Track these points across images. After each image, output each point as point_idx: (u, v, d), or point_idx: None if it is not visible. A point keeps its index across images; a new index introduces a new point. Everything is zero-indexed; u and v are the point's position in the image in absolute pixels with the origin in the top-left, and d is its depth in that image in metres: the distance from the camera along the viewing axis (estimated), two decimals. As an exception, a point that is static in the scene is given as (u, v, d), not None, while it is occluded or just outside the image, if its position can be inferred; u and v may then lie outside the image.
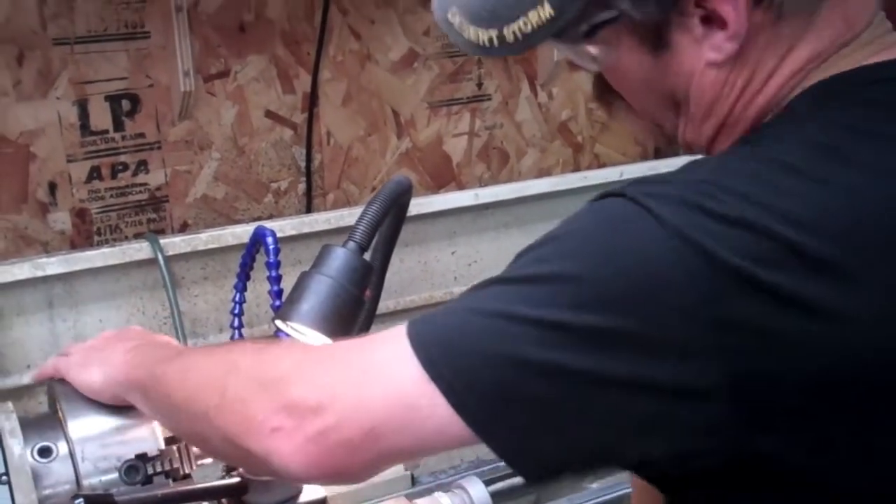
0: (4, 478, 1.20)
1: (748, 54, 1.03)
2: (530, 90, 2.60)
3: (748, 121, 1.08)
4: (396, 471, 1.84)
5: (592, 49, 1.08)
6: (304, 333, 1.51)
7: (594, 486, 2.02)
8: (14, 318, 1.99)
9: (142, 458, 1.34)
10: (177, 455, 1.40)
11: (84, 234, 2.14)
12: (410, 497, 1.73)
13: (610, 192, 0.96)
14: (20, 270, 1.95)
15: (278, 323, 1.53)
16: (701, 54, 1.04)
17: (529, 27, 1.03)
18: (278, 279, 1.76)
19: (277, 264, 1.77)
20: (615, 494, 2.01)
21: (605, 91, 1.18)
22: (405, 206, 1.72)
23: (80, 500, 1.22)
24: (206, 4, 2.13)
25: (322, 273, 1.47)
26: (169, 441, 1.43)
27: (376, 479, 1.82)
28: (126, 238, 2.17)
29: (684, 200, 0.91)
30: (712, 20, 1.01)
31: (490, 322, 0.93)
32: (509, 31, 1.05)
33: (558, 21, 1.02)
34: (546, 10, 1.02)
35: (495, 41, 1.06)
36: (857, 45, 1.04)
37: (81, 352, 1.36)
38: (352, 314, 1.50)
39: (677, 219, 0.89)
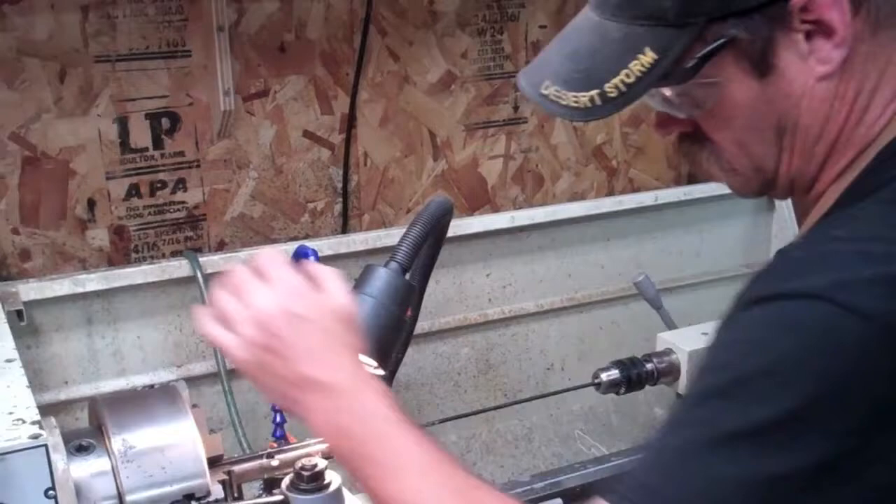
0: (51, 492, 1.21)
1: (853, 65, 1.03)
2: (566, 114, 2.60)
3: (858, 143, 1.07)
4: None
5: (698, 88, 1.06)
6: (346, 353, 1.51)
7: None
8: (53, 333, 2.00)
9: (189, 497, 1.35)
10: (222, 494, 1.41)
11: (122, 251, 2.15)
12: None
13: (796, 293, 0.93)
14: (60, 287, 1.96)
15: (320, 342, 1.53)
16: (809, 70, 1.03)
17: (633, 77, 1.03)
18: (320, 298, 1.77)
19: (319, 283, 1.77)
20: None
21: (692, 142, 1.15)
22: (446, 227, 1.72)
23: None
24: (247, 24, 2.14)
25: (365, 293, 1.47)
26: (212, 462, 1.44)
27: None
28: (163, 255, 2.18)
29: (878, 278, 0.90)
30: (816, 33, 1.01)
31: (740, 489, 0.91)
32: (611, 87, 1.04)
33: (662, 63, 1.02)
34: (648, 56, 1.02)
35: (597, 100, 1.05)
36: None
37: (256, 337, 1.14)
38: (394, 333, 1.50)
39: (880, 306, 0.89)
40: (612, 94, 1.04)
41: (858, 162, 1.07)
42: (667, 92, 1.08)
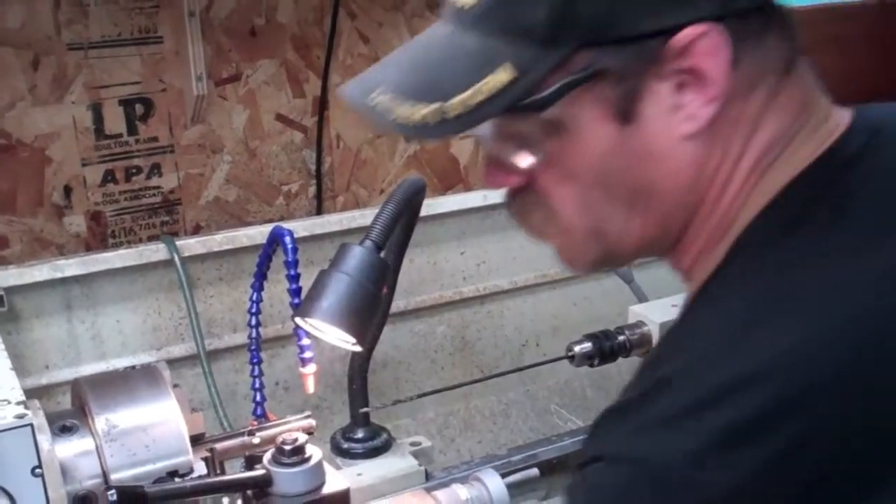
0: (38, 470, 1.23)
1: (721, 127, 0.94)
2: (535, 93, 2.63)
3: (719, 215, 0.98)
4: (411, 466, 1.87)
5: (550, 125, 0.94)
6: (323, 330, 1.54)
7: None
8: (33, 319, 2.02)
9: (172, 474, 1.37)
10: (205, 471, 1.44)
11: (99, 237, 2.17)
12: (427, 490, 1.76)
13: (591, 458, 0.90)
14: (39, 272, 1.98)
15: (298, 320, 1.56)
16: (674, 127, 0.93)
17: (482, 96, 0.90)
18: (297, 277, 1.80)
19: (296, 263, 1.80)
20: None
21: (524, 199, 1.03)
22: (419, 205, 1.75)
23: (113, 491, 1.25)
24: (217, 9, 2.16)
25: (341, 271, 1.50)
26: (195, 440, 1.47)
27: (392, 474, 1.86)
28: (140, 240, 2.20)
29: (662, 422, 0.85)
30: (689, 84, 0.92)
31: None
32: (456, 103, 0.90)
33: (520, 83, 0.90)
34: (506, 73, 0.90)
35: (432, 117, 0.91)
36: (806, 134, 0.97)
37: None
38: (370, 311, 1.53)
39: (678, 459, 0.83)
40: (452, 114, 0.91)
41: (718, 247, 0.98)
42: (512, 126, 0.97)
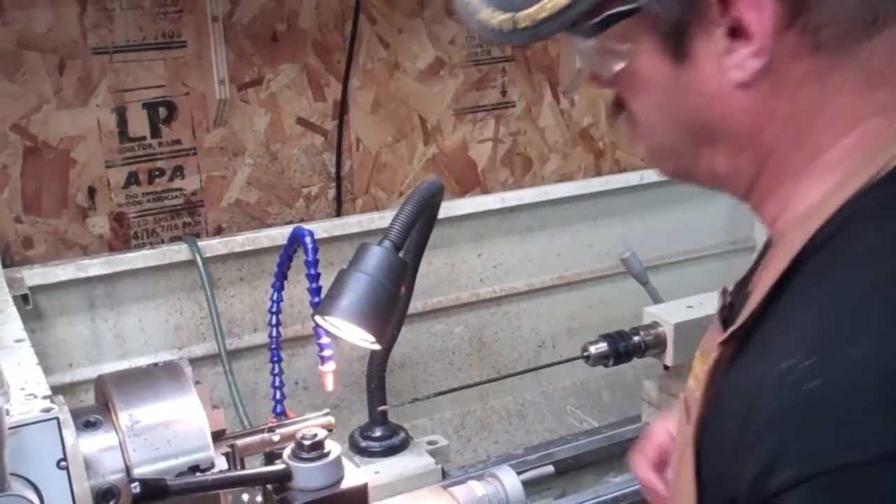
0: (63, 463, 1.25)
1: (784, 81, 0.94)
2: (552, 97, 2.65)
3: (799, 171, 0.98)
4: (428, 464, 1.90)
5: (608, 47, 0.99)
6: (342, 329, 1.57)
7: (617, 479, 2.06)
8: (57, 318, 2.06)
9: (194, 469, 1.39)
10: (226, 466, 1.46)
11: (122, 238, 2.20)
12: (444, 488, 1.79)
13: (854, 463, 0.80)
14: (63, 272, 2.02)
15: (317, 318, 1.59)
16: (725, 72, 0.95)
17: (544, 13, 0.96)
18: (317, 277, 1.83)
19: (316, 262, 1.83)
20: (637, 487, 2.05)
21: (616, 105, 1.09)
22: (437, 206, 1.78)
23: (137, 484, 1.28)
24: (240, 15, 2.19)
25: (360, 270, 1.53)
26: (215, 436, 1.49)
27: (409, 472, 1.89)
28: (162, 242, 2.23)
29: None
30: (737, 34, 0.92)
31: None
32: (525, 16, 0.97)
33: (572, 10, 0.95)
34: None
35: (506, 27, 0.99)
36: None
37: None
38: (388, 309, 1.56)
39: None
40: (521, 25, 0.98)
41: (817, 207, 0.96)
42: (579, 43, 1.01)
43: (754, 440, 0.86)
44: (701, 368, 1.08)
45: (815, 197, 0.97)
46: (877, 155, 0.94)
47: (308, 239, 1.83)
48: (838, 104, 0.95)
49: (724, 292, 1.15)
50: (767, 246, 1.14)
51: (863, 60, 0.93)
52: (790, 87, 0.94)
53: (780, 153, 0.98)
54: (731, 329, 0.99)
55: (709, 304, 1.93)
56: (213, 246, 2.15)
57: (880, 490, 0.78)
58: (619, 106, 1.08)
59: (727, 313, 1.11)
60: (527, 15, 0.97)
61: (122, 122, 2.15)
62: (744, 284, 1.13)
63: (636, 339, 2.00)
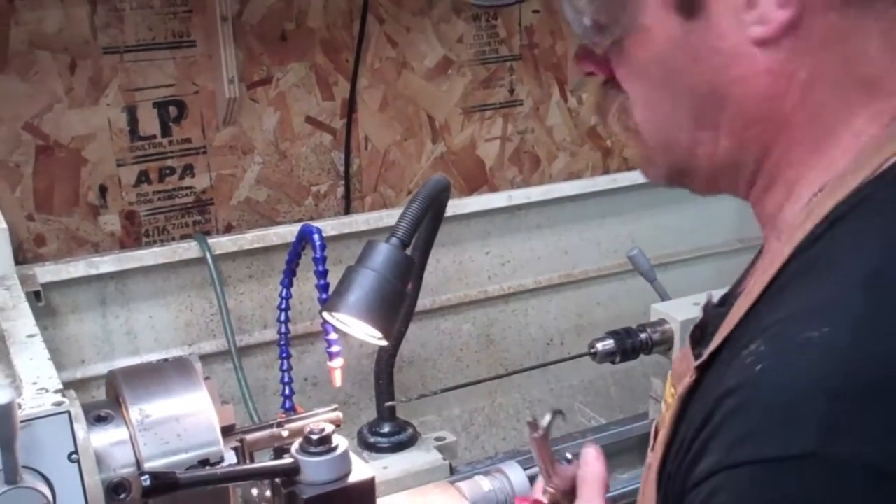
0: (74, 456, 1.27)
1: (808, 40, 0.84)
2: (560, 96, 2.66)
3: (812, 147, 0.87)
4: (435, 460, 1.91)
5: (612, 8, 0.90)
6: (350, 325, 1.58)
7: (625, 476, 2.07)
8: (69, 314, 2.08)
9: (204, 463, 1.41)
10: (235, 460, 1.47)
11: (133, 236, 2.22)
12: (451, 483, 1.80)
13: (785, 458, 0.72)
14: (75, 269, 2.03)
15: (325, 315, 1.60)
16: (744, 28, 0.84)
17: None
18: (325, 273, 1.84)
19: (324, 259, 1.85)
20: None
21: (606, 91, 0.99)
22: (444, 203, 1.79)
23: (147, 477, 1.29)
24: (249, 14, 2.21)
25: (367, 267, 1.54)
26: (225, 431, 1.51)
27: (417, 468, 1.90)
28: (173, 239, 2.24)
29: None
30: None
31: None
32: None
33: None
34: None
35: None
36: None
37: None
38: (395, 306, 1.57)
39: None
40: None
41: (821, 194, 0.86)
42: (576, 3, 0.93)
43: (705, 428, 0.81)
44: (670, 393, 1.01)
45: (822, 182, 0.87)
46: (883, 147, 0.85)
47: (316, 236, 1.84)
48: (860, 72, 0.85)
49: (706, 306, 1.09)
50: (758, 255, 1.05)
51: (885, 26, 0.85)
52: (814, 47, 0.84)
53: (794, 126, 0.87)
54: (710, 350, 0.90)
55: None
56: (222, 243, 2.16)
57: (784, 491, 0.72)
58: (610, 93, 0.98)
59: (699, 335, 1.02)
60: None
61: (133, 120, 2.17)
62: (729, 296, 1.06)
63: (643, 336, 2.01)
